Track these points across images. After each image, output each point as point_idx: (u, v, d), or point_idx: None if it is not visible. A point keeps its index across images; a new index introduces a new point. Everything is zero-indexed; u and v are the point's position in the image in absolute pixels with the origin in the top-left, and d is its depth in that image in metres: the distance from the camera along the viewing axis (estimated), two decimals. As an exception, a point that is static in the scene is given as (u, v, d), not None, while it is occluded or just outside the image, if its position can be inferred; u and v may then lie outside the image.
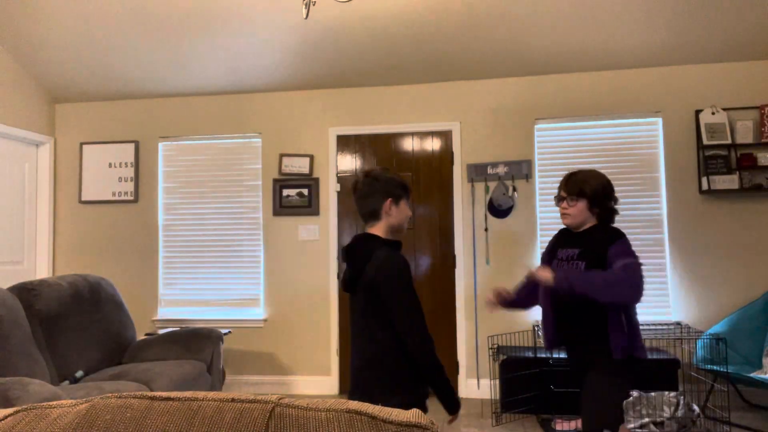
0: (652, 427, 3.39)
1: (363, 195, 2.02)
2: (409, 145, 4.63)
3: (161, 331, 4.24)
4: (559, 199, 2.39)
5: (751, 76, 4.24)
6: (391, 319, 1.87)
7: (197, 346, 3.63)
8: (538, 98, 4.49)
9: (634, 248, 2.25)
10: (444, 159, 4.58)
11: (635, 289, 2.13)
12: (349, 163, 4.70)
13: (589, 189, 2.29)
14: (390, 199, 2.01)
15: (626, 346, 2.21)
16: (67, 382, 3.13)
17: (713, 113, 4.18)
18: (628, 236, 4.33)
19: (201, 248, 4.84)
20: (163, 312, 4.85)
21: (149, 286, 4.86)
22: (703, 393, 4.04)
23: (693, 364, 3.82)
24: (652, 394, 3.52)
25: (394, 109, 4.66)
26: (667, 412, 3.45)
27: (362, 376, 1.95)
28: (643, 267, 2.13)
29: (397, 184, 2.04)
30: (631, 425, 3.40)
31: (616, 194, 4.38)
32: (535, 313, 4.37)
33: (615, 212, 2.35)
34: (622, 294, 2.12)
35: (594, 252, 2.25)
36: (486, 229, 4.47)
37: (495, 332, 4.42)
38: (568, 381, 3.88)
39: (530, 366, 3.96)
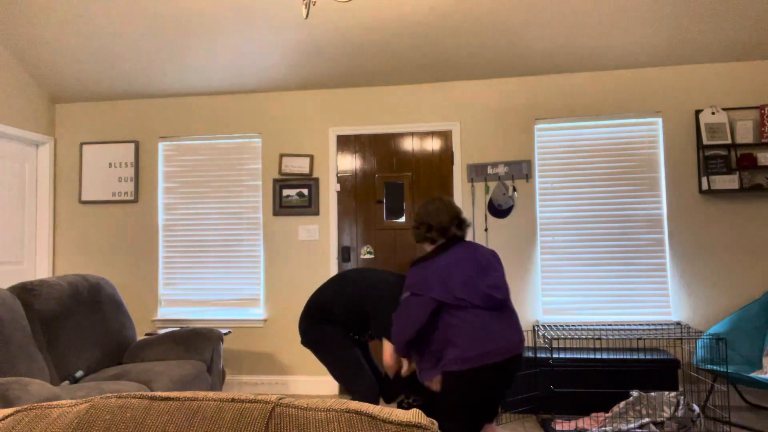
0: (652, 427, 3.39)
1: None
2: (409, 145, 4.63)
3: (161, 331, 4.24)
4: None
5: (751, 76, 4.24)
6: None
7: (197, 346, 3.63)
8: (538, 98, 4.49)
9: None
10: (444, 159, 4.58)
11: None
12: (349, 163, 4.70)
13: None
14: None
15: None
16: (67, 382, 3.13)
17: (713, 113, 4.18)
18: (628, 236, 4.33)
19: (201, 248, 4.84)
20: (163, 312, 4.85)
21: (149, 286, 4.86)
22: (703, 393, 4.05)
23: (693, 364, 3.83)
24: (652, 394, 3.52)
25: (394, 109, 4.66)
26: (667, 412, 3.45)
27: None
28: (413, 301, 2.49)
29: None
30: (632, 425, 3.40)
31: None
32: (536, 312, 4.37)
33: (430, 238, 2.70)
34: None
35: None
36: (486, 229, 4.48)
37: (495, 332, 4.41)
38: (569, 381, 3.88)
39: (530, 366, 3.96)
